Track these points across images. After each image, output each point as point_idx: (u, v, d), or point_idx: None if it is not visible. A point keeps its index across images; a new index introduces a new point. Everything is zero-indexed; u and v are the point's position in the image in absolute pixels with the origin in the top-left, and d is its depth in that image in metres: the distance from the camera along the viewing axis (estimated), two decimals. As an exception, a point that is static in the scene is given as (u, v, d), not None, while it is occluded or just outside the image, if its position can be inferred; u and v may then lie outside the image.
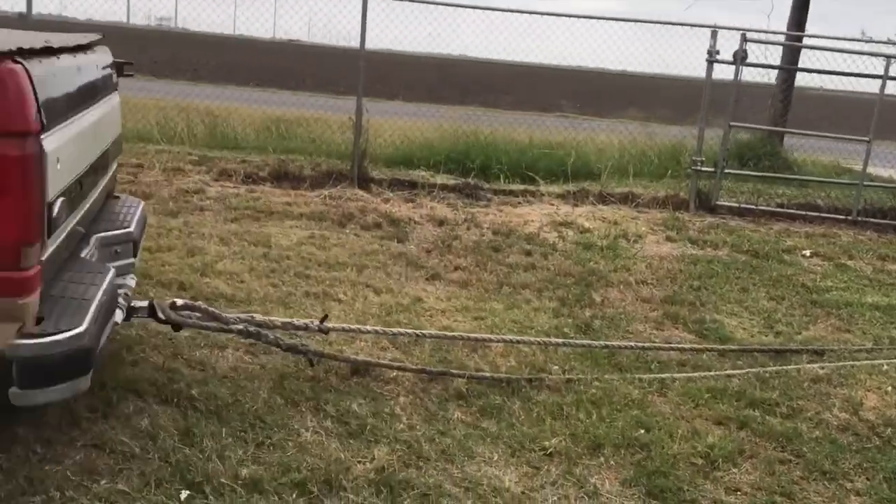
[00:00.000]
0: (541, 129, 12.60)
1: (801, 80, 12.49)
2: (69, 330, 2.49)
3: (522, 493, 3.18)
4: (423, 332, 4.24)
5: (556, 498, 3.16)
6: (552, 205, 8.97)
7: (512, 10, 10.72)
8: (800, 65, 11.25)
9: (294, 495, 2.99)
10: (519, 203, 8.97)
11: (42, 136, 2.41)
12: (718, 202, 9.24)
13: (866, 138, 9.39)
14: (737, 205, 9.31)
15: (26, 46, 2.47)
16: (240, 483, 3.00)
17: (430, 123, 12.27)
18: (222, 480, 2.99)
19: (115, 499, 2.83)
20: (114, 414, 3.42)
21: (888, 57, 9.15)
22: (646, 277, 6.36)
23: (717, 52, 8.97)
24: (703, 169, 9.24)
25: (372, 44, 10.61)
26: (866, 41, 11.18)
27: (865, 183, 9.50)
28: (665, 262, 6.87)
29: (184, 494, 2.89)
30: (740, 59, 8.88)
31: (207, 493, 2.92)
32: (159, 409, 3.50)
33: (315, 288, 5.47)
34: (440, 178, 9.71)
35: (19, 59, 2.35)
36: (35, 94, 2.36)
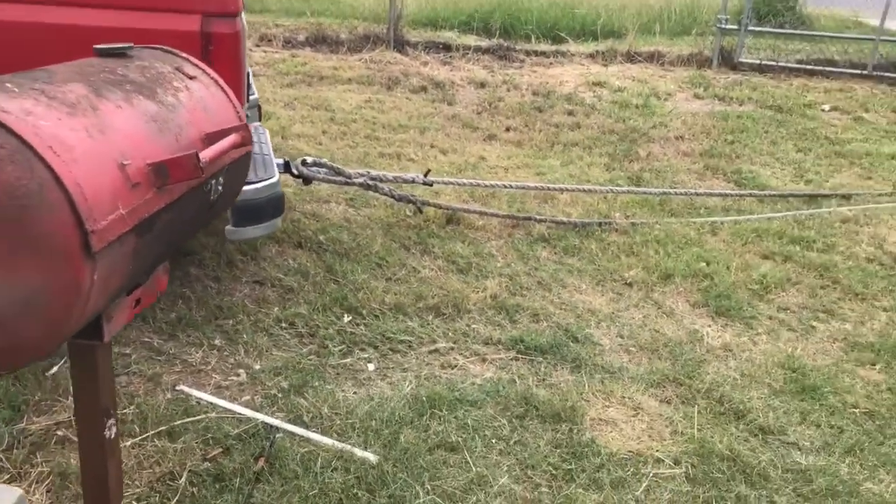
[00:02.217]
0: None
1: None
2: (268, 179, 3.04)
3: (612, 313, 3.84)
4: (513, 184, 4.80)
5: (640, 316, 3.83)
6: (583, 65, 9.32)
7: None
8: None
9: (431, 316, 3.64)
10: (551, 64, 9.31)
11: (242, 15, 2.87)
12: (741, 59, 9.60)
13: (886, -7, 9.63)
14: (758, 62, 9.66)
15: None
16: (386, 308, 3.65)
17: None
18: (373, 306, 3.64)
19: (294, 320, 3.47)
20: (261, 256, 4.03)
21: None
22: (682, 133, 6.87)
23: None
24: (728, 27, 9.53)
25: None
26: None
27: (881, 38, 9.81)
28: (697, 118, 7.35)
29: (346, 318, 3.54)
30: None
31: (364, 314, 3.57)
32: (298, 252, 4.11)
33: (387, 149, 5.98)
34: (471, 40, 9.99)
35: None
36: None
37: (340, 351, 3.30)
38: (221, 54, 2.75)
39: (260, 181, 3.01)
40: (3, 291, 1.13)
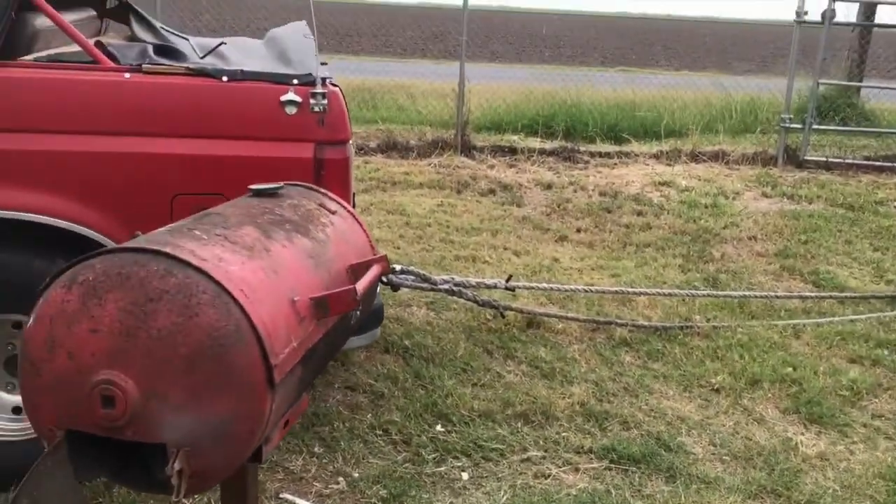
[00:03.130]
0: (613, 84, 12.92)
1: (879, 17, 12.61)
2: (370, 293, 3.18)
3: (702, 420, 3.82)
4: (593, 287, 4.88)
5: (731, 423, 3.80)
6: (647, 165, 9.46)
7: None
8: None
9: (520, 423, 3.67)
10: (615, 164, 9.48)
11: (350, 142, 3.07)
12: (806, 157, 9.63)
13: (952, 90, 9.66)
14: (823, 159, 9.67)
15: (319, 65, 3.09)
16: (475, 414, 3.70)
17: (512, 86, 12.77)
18: (462, 412, 3.69)
19: (388, 427, 3.54)
20: (350, 361, 4.14)
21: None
22: (755, 233, 6.88)
23: (806, 13, 9.30)
24: (792, 126, 9.62)
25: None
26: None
27: (950, 133, 9.79)
28: (768, 217, 7.37)
29: (439, 426, 3.60)
30: (829, 18, 9.21)
31: (454, 421, 3.62)
32: (385, 357, 4.21)
33: (462, 252, 6.14)
34: (535, 143, 10.25)
35: (335, 83, 3.00)
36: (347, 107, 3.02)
37: (434, 459, 3.35)
38: (333, 179, 2.93)
39: (362, 292, 3.15)
40: (200, 421, 1.25)
